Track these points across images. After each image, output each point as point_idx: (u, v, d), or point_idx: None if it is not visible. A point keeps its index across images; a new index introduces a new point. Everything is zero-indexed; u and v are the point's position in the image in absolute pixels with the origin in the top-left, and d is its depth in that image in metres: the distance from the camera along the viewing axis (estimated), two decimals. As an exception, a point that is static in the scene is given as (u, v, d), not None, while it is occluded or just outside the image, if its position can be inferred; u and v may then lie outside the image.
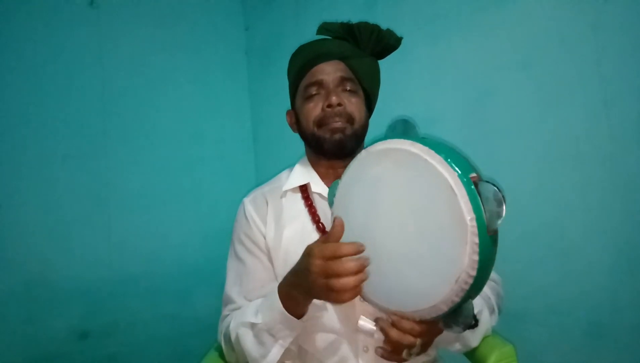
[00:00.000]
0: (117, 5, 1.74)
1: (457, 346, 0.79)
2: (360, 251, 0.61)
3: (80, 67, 1.63)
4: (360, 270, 0.60)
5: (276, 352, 0.74)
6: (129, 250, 1.66)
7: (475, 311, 0.74)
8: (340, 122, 0.82)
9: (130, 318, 1.63)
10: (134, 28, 1.79)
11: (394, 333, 0.62)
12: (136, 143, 1.75)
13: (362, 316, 0.67)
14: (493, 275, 0.88)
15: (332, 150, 0.84)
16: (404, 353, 0.63)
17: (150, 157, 1.78)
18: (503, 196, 0.53)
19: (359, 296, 0.64)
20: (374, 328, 0.65)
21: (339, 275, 0.60)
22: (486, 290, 0.83)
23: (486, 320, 0.78)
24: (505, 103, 1.30)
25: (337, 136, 0.83)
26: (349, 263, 0.60)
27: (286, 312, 0.71)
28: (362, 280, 0.61)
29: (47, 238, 1.49)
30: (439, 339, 0.71)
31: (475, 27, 1.36)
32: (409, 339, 0.61)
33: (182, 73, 1.93)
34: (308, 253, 0.64)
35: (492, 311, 0.81)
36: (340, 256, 0.61)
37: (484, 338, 0.82)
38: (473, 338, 0.78)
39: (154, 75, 1.83)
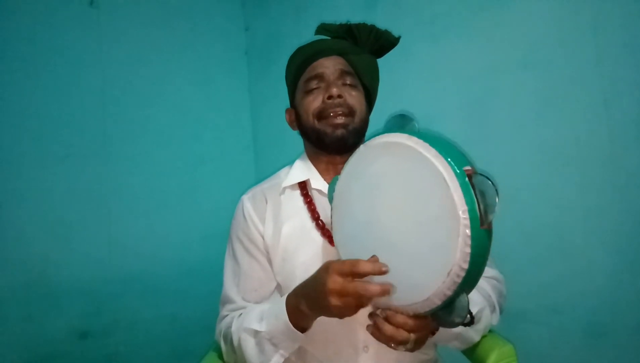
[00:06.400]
0: (117, 5, 1.75)
1: (457, 344, 0.79)
2: (381, 272, 0.59)
3: (80, 67, 1.62)
4: (384, 293, 0.58)
5: (276, 361, 0.74)
6: (129, 250, 1.66)
7: (476, 309, 0.73)
8: (342, 117, 0.82)
9: (130, 318, 1.63)
10: (134, 28, 1.79)
11: (388, 328, 0.62)
12: (136, 142, 1.74)
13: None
14: (496, 273, 0.88)
15: (334, 145, 0.83)
16: (397, 347, 0.63)
17: (150, 157, 1.78)
18: (497, 190, 0.53)
19: None
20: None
21: (359, 296, 0.59)
22: (488, 288, 0.83)
23: (487, 318, 0.78)
24: (506, 103, 1.30)
25: (339, 131, 0.82)
26: (373, 287, 0.58)
27: (290, 325, 0.71)
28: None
29: (47, 238, 1.48)
30: (438, 336, 0.71)
31: (475, 27, 1.36)
32: (402, 334, 0.61)
33: (182, 73, 1.93)
34: (326, 268, 0.63)
35: (493, 310, 0.81)
36: (359, 274, 0.60)
37: (484, 338, 0.82)
38: (474, 334, 0.78)
39: (154, 75, 1.83)
